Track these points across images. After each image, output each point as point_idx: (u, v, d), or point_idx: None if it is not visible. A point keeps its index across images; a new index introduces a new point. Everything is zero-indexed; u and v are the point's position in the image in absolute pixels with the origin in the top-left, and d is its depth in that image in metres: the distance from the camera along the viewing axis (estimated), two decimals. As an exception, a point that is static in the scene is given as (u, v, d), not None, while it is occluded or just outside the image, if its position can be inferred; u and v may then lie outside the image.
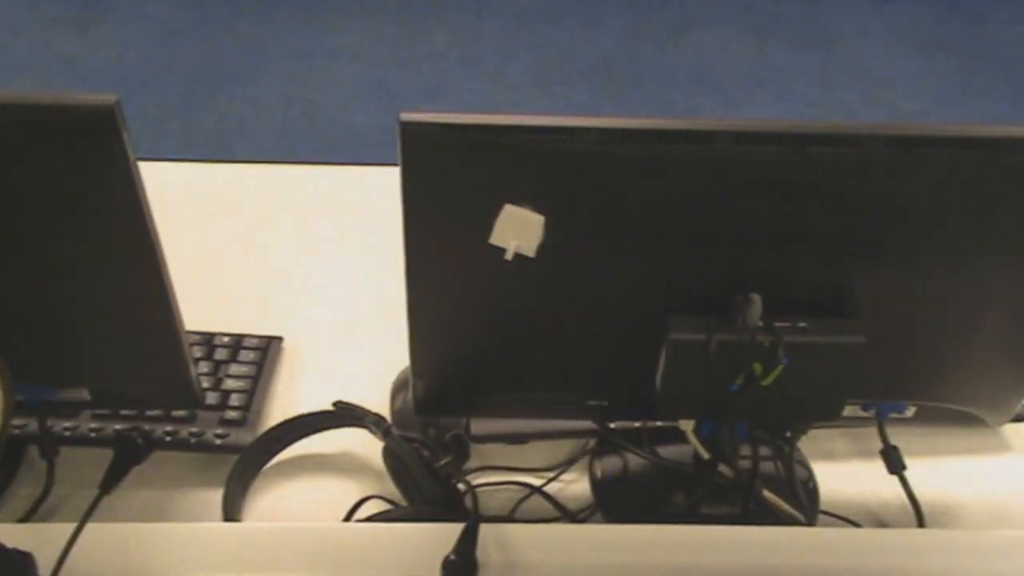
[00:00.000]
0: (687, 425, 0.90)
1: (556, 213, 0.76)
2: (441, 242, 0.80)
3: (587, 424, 0.99)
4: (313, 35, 3.21)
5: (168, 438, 0.98)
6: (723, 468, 0.93)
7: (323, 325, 1.16)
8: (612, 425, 0.99)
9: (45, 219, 0.77)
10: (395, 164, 1.46)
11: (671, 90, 3.10)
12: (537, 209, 0.76)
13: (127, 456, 0.83)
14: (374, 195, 1.36)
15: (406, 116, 0.73)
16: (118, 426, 0.98)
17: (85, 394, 0.92)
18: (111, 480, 0.83)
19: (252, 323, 1.13)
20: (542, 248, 0.77)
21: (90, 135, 0.71)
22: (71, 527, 0.82)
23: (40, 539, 0.80)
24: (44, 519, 0.94)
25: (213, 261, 1.24)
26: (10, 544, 0.76)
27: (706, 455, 0.91)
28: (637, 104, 3.05)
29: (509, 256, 0.76)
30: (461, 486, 0.95)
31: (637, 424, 1.01)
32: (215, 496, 0.97)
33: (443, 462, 0.94)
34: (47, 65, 3.05)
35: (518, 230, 0.76)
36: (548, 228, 0.77)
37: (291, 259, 1.26)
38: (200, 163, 1.41)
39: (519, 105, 2.98)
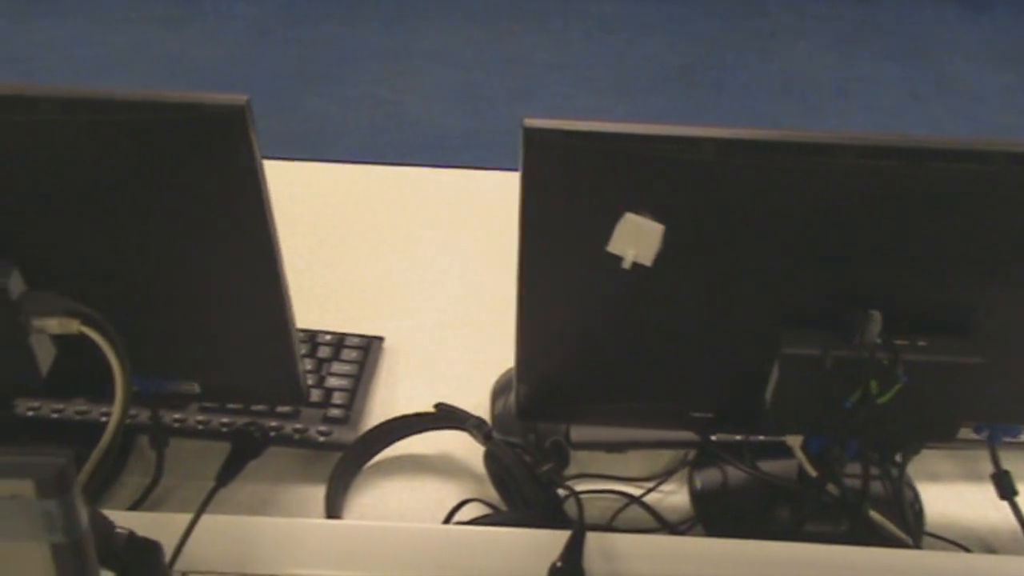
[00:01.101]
0: (795, 441, 0.89)
1: (675, 223, 0.76)
2: (557, 248, 0.80)
3: (687, 435, 0.99)
4: (401, 37, 3.24)
5: (272, 433, 1.00)
6: (830, 486, 0.91)
7: (423, 326, 1.17)
8: (713, 437, 0.99)
9: (171, 214, 0.79)
10: (494, 168, 1.47)
11: (754, 99, 3.06)
12: (656, 218, 0.75)
13: (244, 450, 0.85)
14: (477, 199, 1.37)
15: (529, 122, 0.73)
16: (225, 419, 1.00)
17: (196, 387, 0.94)
18: (227, 473, 0.85)
19: (352, 322, 1.14)
20: (659, 257, 0.77)
21: (220, 134, 0.73)
22: (182, 517, 0.84)
23: (154, 527, 0.81)
24: (152, 508, 0.96)
25: (313, 259, 1.25)
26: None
27: (813, 472, 0.90)
28: (720, 112, 3.02)
29: (627, 264, 0.76)
30: (562, 492, 0.95)
31: (738, 437, 1.00)
32: (316, 492, 0.98)
33: (545, 468, 0.94)
34: (143, 62, 3.12)
35: (637, 239, 0.76)
36: (666, 237, 0.76)
37: (391, 260, 1.27)
38: (302, 162, 1.43)
39: (603, 111, 2.97)
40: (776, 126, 0.75)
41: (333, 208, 1.35)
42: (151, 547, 0.66)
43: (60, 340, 0.84)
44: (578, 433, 1.02)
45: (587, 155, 0.74)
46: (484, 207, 1.35)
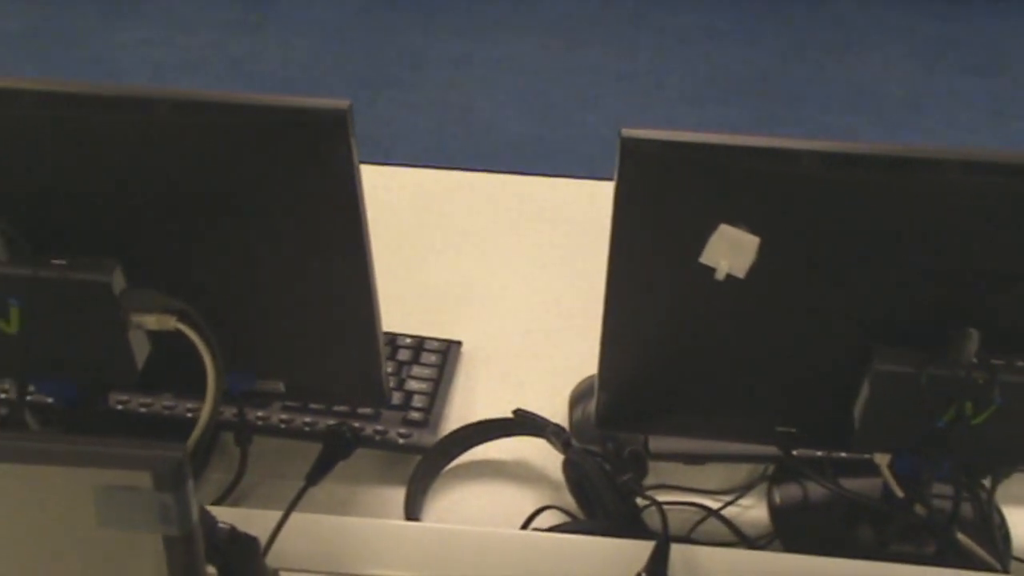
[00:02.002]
0: (883, 460, 0.87)
1: (770, 235, 0.75)
2: (648, 258, 0.80)
3: (767, 449, 0.98)
4: (473, 44, 3.26)
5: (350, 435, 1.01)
6: (916, 506, 0.90)
7: (500, 332, 1.18)
8: (793, 452, 0.98)
9: (268, 215, 0.80)
10: (564, 175, 1.47)
11: (828, 111, 3.03)
12: (751, 230, 0.75)
13: (335, 450, 0.86)
14: (556, 206, 1.37)
15: (627, 132, 0.73)
16: (308, 419, 1.01)
17: (281, 386, 0.95)
18: (317, 472, 0.86)
19: (430, 326, 1.14)
20: (752, 270, 0.76)
21: (322, 137, 0.74)
22: (270, 513, 0.85)
23: (241, 523, 0.83)
24: (235, 504, 0.98)
25: (393, 262, 1.26)
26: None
27: (900, 492, 0.88)
28: (793, 125, 2.99)
29: (720, 276, 0.76)
30: (641, 503, 0.94)
31: (819, 453, 0.99)
32: (395, 494, 0.99)
33: (625, 477, 0.94)
34: (218, 65, 3.17)
35: (731, 251, 0.75)
36: (760, 250, 0.76)
37: (469, 265, 1.28)
38: (379, 166, 1.44)
39: (672, 122, 2.96)
40: (851, 139, 0.74)
41: (412, 212, 1.37)
42: (250, 542, 0.67)
43: (154, 336, 0.86)
44: (657, 443, 1.01)
45: (684, 166, 0.74)
46: (564, 214, 1.35)
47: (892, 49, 3.28)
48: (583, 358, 1.13)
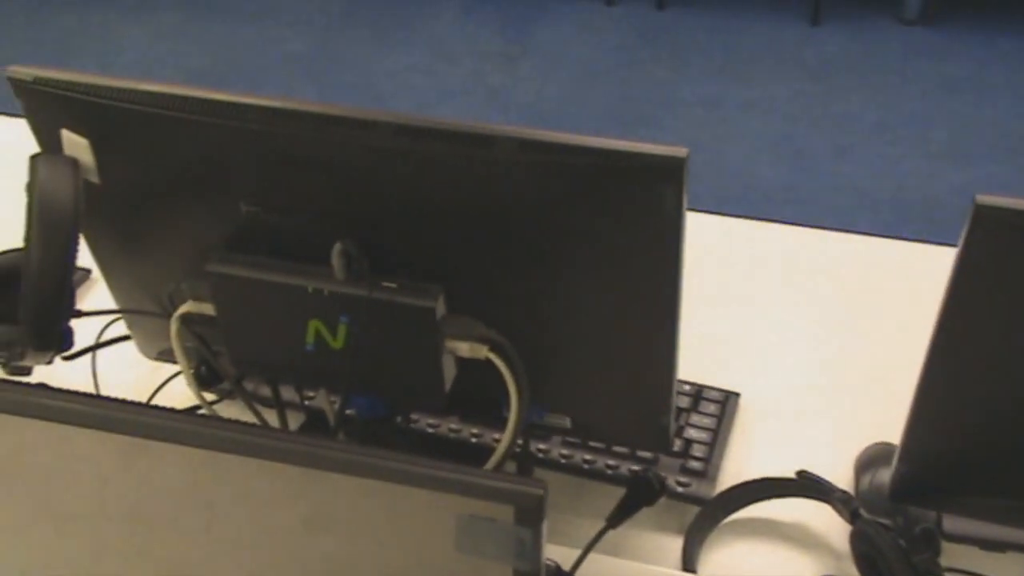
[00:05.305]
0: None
1: None
2: (982, 330, 0.76)
3: (1076, 545, 0.91)
4: (726, 85, 3.23)
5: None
6: None
7: (781, 387, 1.15)
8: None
9: (588, 255, 0.81)
10: (815, 227, 1.42)
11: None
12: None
13: (640, 496, 0.86)
14: (835, 260, 1.33)
15: (982, 199, 0.69)
16: (587, 456, 1.02)
17: (567, 422, 0.96)
18: (619, 515, 0.86)
19: (708, 375, 1.13)
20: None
21: (656, 183, 0.74)
22: (558, 549, 0.86)
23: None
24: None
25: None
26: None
27: None
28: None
29: (1068, 358, 0.71)
30: (937, 586, 0.89)
31: None
32: (669, 542, 0.98)
33: (922, 557, 0.89)
34: (476, 94, 3.29)
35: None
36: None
37: (748, 315, 1.26)
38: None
39: (933, 176, 2.83)
40: None
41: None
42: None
43: (460, 362, 0.89)
44: (952, 523, 0.96)
45: (1041, 238, 0.69)
46: (846, 271, 1.31)
47: None
48: (867, 423, 1.09)
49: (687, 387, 1.10)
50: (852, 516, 0.94)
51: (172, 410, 0.60)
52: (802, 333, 1.23)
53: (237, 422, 0.58)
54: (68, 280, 0.81)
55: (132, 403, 0.59)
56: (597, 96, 3.24)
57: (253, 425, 0.58)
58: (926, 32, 3.43)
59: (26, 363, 0.85)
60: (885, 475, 0.98)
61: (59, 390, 0.61)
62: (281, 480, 0.56)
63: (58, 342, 0.83)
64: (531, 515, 0.52)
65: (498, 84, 3.32)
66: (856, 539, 0.93)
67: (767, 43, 3.42)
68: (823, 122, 3.06)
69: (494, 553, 0.54)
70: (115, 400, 0.59)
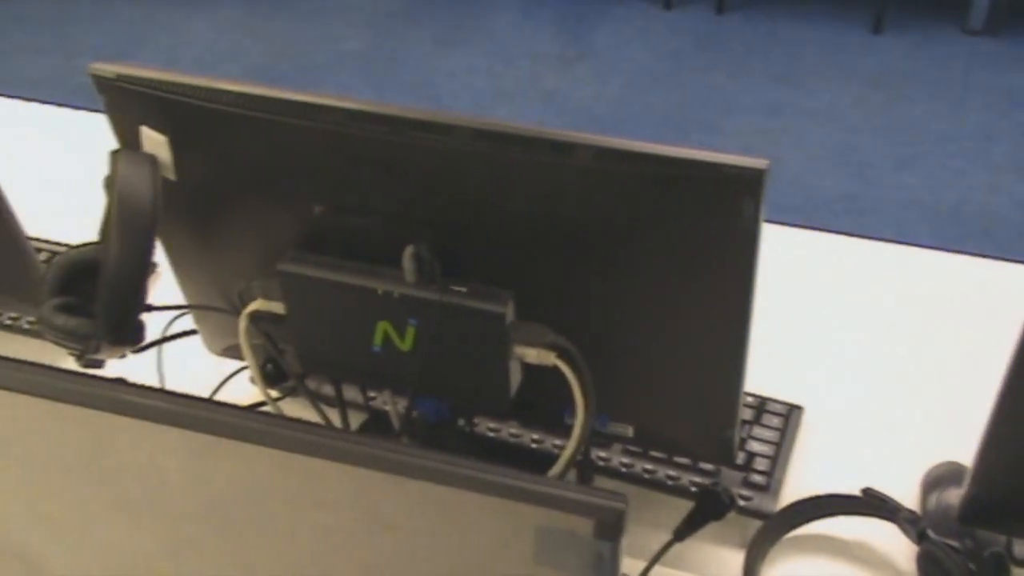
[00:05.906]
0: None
1: None
2: (1066, 354, 0.74)
3: None
4: (785, 92, 3.20)
5: (694, 488, 1.00)
6: None
7: (844, 401, 1.13)
8: None
9: (661, 265, 0.80)
10: (873, 238, 1.39)
11: None
12: None
13: (708, 509, 0.85)
14: (901, 274, 1.31)
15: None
16: (648, 466, 1.01)
17: (630, 431, 0.95)
18: (687, 529, 0.85)
19: (769, 387, 1.12)
20: None
21: (735, 195, 0.74)
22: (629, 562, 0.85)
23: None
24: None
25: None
26: None
27: None
28: None
29: None
30: (1006, 612, 0.87)
31: None
32: (730, 555, 0.97)
33: (992, 583, 0.87)
34: (532, 97, 3.29)
35: None
36: None
37: (811, 327, 1.24)
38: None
39: (996, 189, 2.78)
40: None
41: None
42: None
43: (526, 367, 0.89)
44: (1022, 548, 0.94)
45: None
46: (912, 286, 1.29)
47: None
48: (934, 441, 1.07)
49: (750, 399, 1.09)
50: (919, 537, 0.92)
51: (269, 414, 0.60)
52: (864, 347, 1.21)
53: (314, 424, 0.58)
54: (145, 276, 0.82)
55: (211, 401, 0.60)
56: (653, 100, 3.22)
57: (335, 428, 0.58)
58: (991, 42, 3.37)
59: (100, 356, 0.86)
60: (952, 495, 0.96)
61: (139, 386, 0.62)
62: (355, 483, 0.56)
63: (133, 337, 0.84)
64: (611, 529, 0.52)
65: (554, 87, 3.32)
66: (924, 560, 0.92)
67: (828, 51, 3.38)
68: (884, 132, 3.02)
69: (572, 566, 0.53)
70: (194, 398, 0.60)
